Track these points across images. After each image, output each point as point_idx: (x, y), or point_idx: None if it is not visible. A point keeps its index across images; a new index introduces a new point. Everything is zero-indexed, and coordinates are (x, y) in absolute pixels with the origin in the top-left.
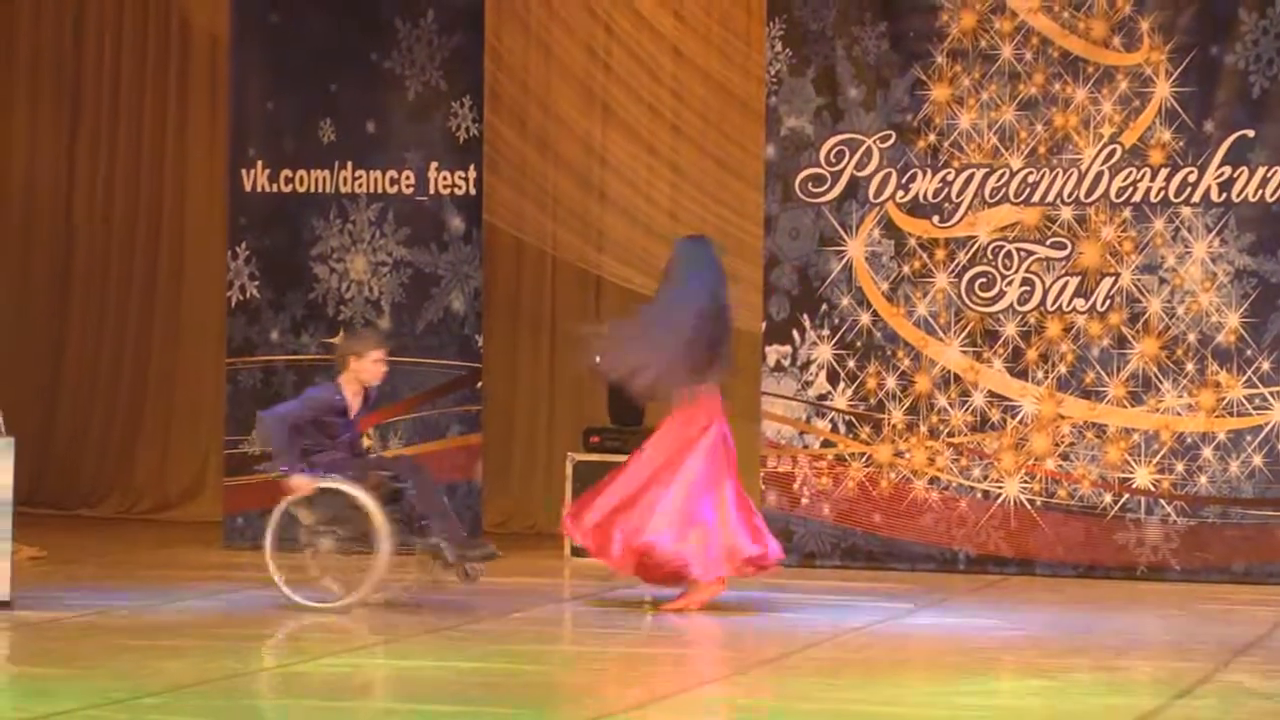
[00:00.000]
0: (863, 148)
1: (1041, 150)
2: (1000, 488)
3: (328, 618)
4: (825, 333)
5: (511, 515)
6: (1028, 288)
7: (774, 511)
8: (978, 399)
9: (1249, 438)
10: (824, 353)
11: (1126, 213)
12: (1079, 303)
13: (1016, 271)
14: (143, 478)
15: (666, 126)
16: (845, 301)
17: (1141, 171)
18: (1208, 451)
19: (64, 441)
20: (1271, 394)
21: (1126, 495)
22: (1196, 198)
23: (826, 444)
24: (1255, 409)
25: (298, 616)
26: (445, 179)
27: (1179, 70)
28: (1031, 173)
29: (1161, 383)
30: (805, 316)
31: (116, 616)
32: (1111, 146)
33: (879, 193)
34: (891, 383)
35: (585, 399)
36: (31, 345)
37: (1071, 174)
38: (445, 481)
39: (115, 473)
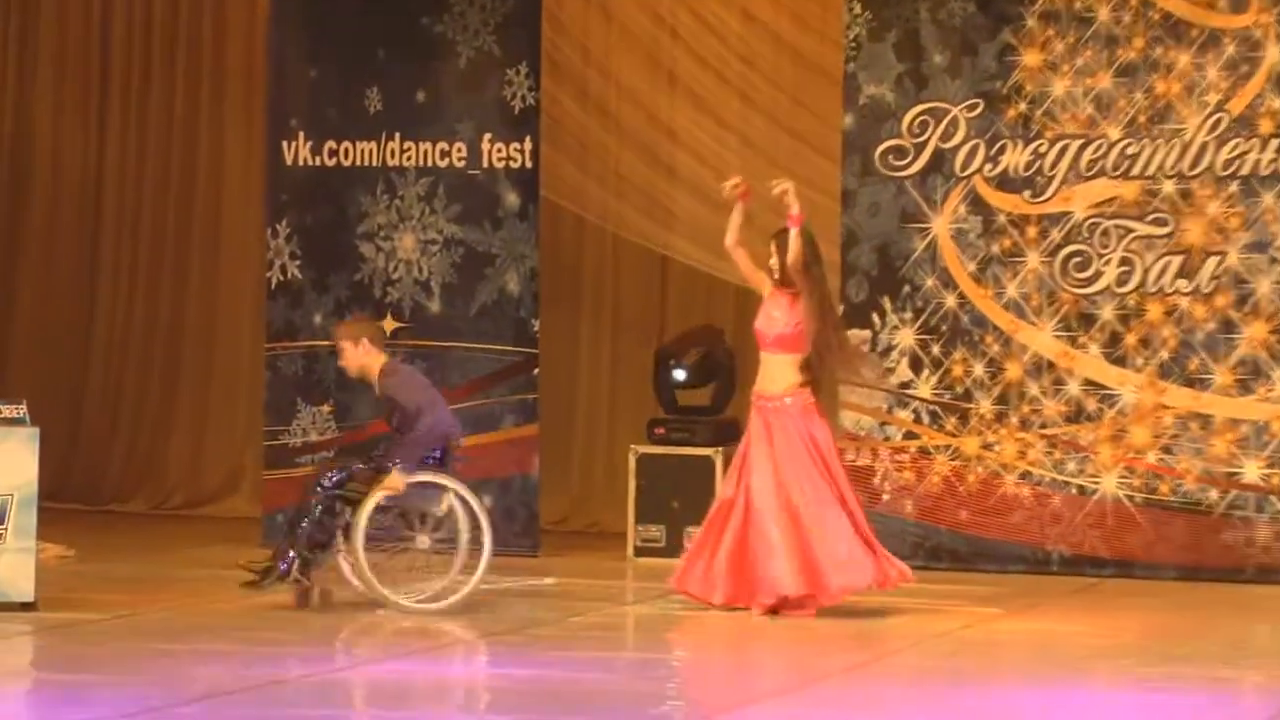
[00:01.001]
0: (948, 117)
1: (1141, 120)
2: (1097, 483)
3: (373, 620)
4: (907, 316)
5: (570, 512)
6: (1126, 268)
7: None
8: (1073, 388)
9: None
10: (906, 338)
11: (1233, 186)
12: (1181, 284)
13: (1114, 250)
14: (176, 471)
15: (737, 95)
16: (929, 283)
17: (1250, 142)
18: None
19: (92, 432)
20: None
21: (1234, 491)
22: None
23: (909, 436)
24: None
25: (341, 619)
26: (500, 151)
27: None
28: (1131, 144)
29: (1272, 370)
30: (886, 299)
31: (150, 619)
32: (1217, 115)
33: (966, 166)
34: (979, 370)
35: (649, 388)
36: (58, 332)
37: (1174, 145)
38: (499, 476)
39: (146, 466)
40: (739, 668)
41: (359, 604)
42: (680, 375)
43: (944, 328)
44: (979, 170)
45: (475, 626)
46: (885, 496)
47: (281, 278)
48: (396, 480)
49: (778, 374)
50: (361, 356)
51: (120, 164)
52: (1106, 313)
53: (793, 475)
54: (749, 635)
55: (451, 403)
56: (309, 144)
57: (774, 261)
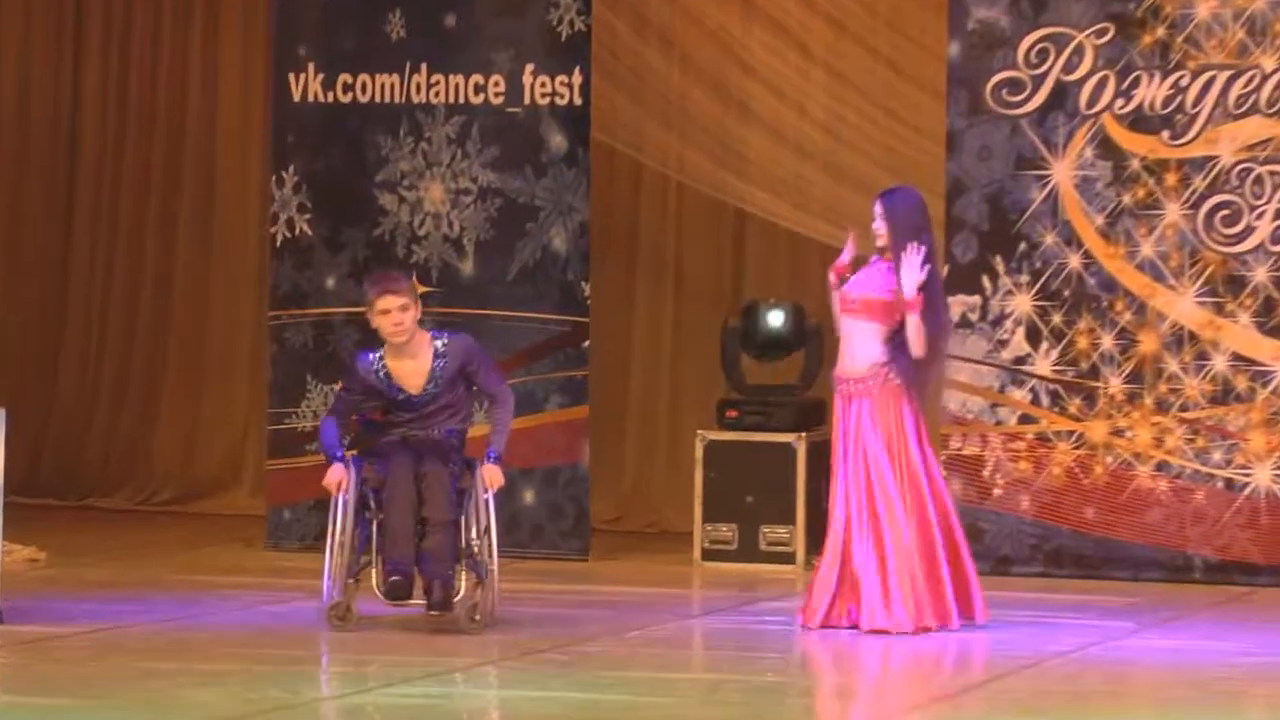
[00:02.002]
0: (1072, 45)
1: None
2: (1247, 476)
3: (396, 635)
4: (1024, 279)
5: (627, 509)
6: None
7: (959, 504)
8: (1219, 363)
9: None
10: (1022, 304)
11: None
12: None
13: (1268, 201)
14: (164, 461)
15: (823, 19)
16: (1049, 239)
17: None
18: None
19: (67, 415)
20: None
21: None
22: None
23: (1025, 419)
24: None
25: (358, 635)
26: (544, 86)
27: None
28: None
29: None
30: (998, 259)
31: (136, 634)
32: None
33: (1092, 102)
34: (1108, 342)
35: (717, 363)
36: (27, 298)
37: None
38: (543, 466)
39: (130, 454)
40: (825, 691)
41: (380, 619)
42: (776, 319)
43: (1066, 293)
44: (1108, 107)
45: (517, 643)
46: (997, 491)
47: (288, 234)
48: (498, 475)
49: (860, 347)
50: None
51: (99, 101)
52: (1260, 275)
53: (877, 478)
54: (837, 654)
55: None
56: (320, 77)
57: (878, 226)
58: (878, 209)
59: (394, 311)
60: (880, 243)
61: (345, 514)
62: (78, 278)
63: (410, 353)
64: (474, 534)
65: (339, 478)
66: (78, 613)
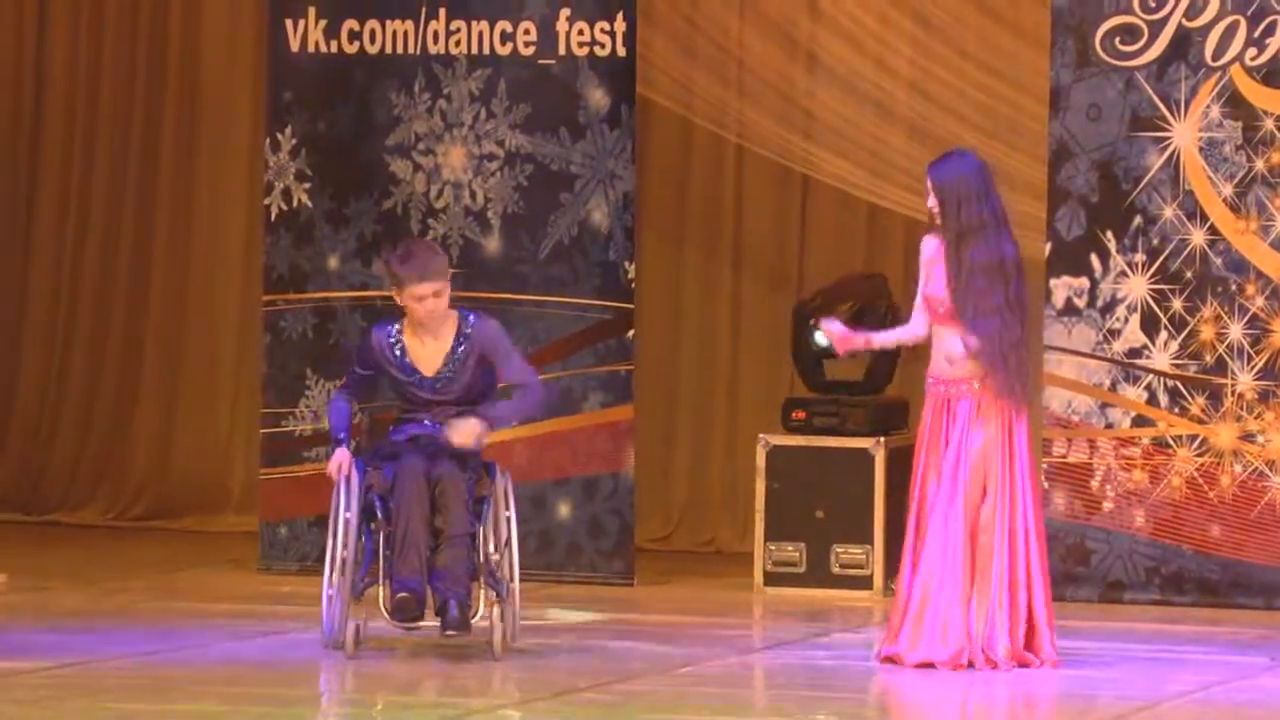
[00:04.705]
0: None
1: None
2: None
3: (412, 668)
4: (1139, 258)
5: (678, 525)
6: None
7: (1063, 520)
8: None
9: None
10: (1137, 287)
11: None
12: None
13: None
14: (141, 470)
15: None
16: (1168, 213)
17: None
18: None
19: (29, 418)
20: None
21: None
22: None
23: (1140, 422)
24: None
25: (362, 668)
26: (581, 34)
27: None
28: None
29: None
30: (1109, 235)
31: (109, 670)
32: None
33: (1219, 52)
34: (1237, 333)
35: (784, 356)
36: None
37: None
38: (581, 475)
39: (102, 463)
40: None
41: (388, 643)
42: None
43: (1189, 274)
44: (1238, 58)
45: (548, 680)
46: (1107, 505)
47: (284, 206)
48: (469, 430)
49: (954, 347)
50: (407, 308)
51: (69, 56)
52: None
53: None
54: (916, 691)
55: None
56: (322, 24)
57: (932, 204)
58: (928, 182)
59: (429, 298)
60: (936, 220)
61: (348, 525)
62: (42, 260)
63: (433, 331)
64: (493, 548)
65: (340, 461)
66: (42, 645)
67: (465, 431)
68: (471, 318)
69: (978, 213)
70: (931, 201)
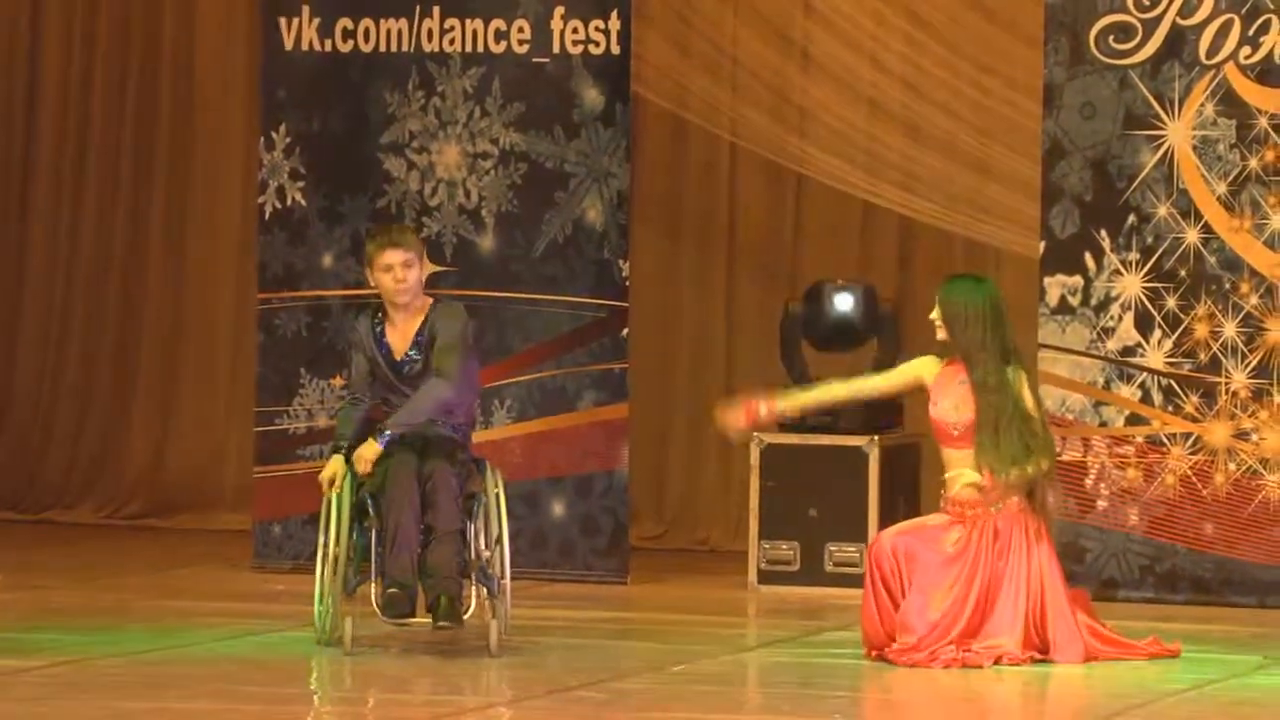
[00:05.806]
0: None
1: None
2: None
3: (405, 666)
4: (1133, 256)
5: (672, 524)
6: None
7: (1057, 519)
8: None
9: None
10: (1131, 286)
11: None
12: None
13: None
14: (135, 468)
15: None
16: (1162, 211)
17: None
18: None
19: (23, 416)
20: None
21: None
22: None
23: (1134, 420)
24: None
25: (356, 667)
26: (576, 32)
27: None
28: None
29: None
30: (1103, 233)
31: (104, 666)
32: None
33: (1214, 51)
34: (1231, 330)
35: (776, 354)
36: None
37: None
38: (575, 474)
39: (97, 461)
40: None
41: (380, 640)
42: (844, 303)
43: (1183, 272)
44: (1232, 56)
45: (541, 678)
46: (1101, 504)
47: (279, 204)
48: (369, 451)
49: (970, 474)
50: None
51: (62, 54)
52: None
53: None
54: (911, 690)
55: (513, 373)
56: (316, 22)
57: (936, 317)
58: (938, 296)
59: (397, 268)
60: (940, 335)
61: (339, 521)
62: (36, 256)
63: (406, 311)
64: (484, 544)
65: (331, 473)
66: (36, 644)
67: (365, 459)
68: (441, 304)
69: (979, 360)
70: (936, 317)
